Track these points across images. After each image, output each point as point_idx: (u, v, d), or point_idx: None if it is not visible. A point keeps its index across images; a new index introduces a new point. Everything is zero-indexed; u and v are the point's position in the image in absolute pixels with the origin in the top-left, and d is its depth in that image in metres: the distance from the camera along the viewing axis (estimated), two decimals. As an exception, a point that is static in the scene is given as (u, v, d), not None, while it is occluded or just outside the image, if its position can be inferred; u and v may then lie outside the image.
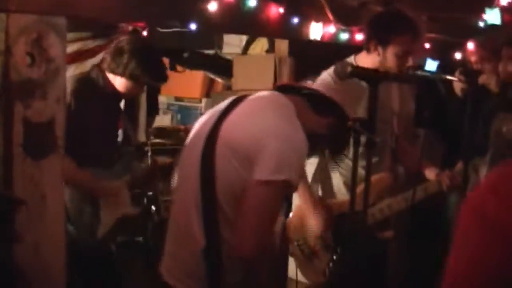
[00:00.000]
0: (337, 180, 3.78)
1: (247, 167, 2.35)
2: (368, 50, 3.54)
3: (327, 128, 2.52)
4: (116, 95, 3.85)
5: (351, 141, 2.59)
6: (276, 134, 2.37)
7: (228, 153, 2.39)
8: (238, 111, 2.51)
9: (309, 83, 2.66)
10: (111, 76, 3.76)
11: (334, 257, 3.45)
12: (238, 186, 2.37)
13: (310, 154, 2.65)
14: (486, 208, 1.29)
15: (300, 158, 2.44)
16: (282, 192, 2.42)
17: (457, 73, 3.66)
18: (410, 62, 3.59)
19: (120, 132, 4.08)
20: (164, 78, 4.14)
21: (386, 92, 3.58)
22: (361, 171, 2.91)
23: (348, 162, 3.67)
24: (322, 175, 3.81)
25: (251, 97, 2.56)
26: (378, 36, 3.48)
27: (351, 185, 2.66)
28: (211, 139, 2.45)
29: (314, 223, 3.55)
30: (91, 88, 3.73)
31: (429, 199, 3.68)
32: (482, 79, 3.82)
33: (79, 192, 3.55)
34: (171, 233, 2.61)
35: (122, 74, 3.72)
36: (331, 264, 3.49)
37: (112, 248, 3.86)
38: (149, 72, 3.79)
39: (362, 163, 3.54)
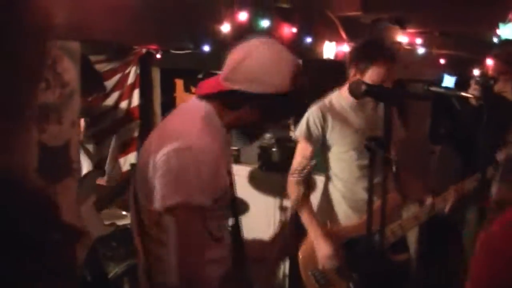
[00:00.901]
0: (341, 205, 3.76)
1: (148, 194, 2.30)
2: (347, 78, 3.57)
3: (251, 116, 2.38)
4: None
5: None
6: (168, 156, 2.22)
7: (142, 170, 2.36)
8: (161, 123, 2.50)
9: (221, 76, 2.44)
10: None
11: (351, 285, 3.42)
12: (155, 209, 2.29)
13: (251, 141, 2.61)
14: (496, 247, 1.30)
15: (196, 173, 2.20)
16: (188, 215, 2.23)
17: (472, 82, 3.66)
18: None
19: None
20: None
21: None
22: (364, 193, 2.89)
23: (349, 186, 3.68)
24: (325, 203, 3.79)
25: (179, 107, 2.53)
26: (357, 64, 3.50)
27: (368, 205, 2.61)
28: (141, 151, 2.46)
29: (322, 254, 3.53)
30: None
31: (442, 216, 3.65)
32: (497, 87, 3.81)
33: None
34: None
35: None
36: None
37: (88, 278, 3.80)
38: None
39: (363, 184, 3.56)
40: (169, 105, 7.98)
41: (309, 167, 2.87)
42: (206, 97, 2.39)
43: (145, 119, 7.22)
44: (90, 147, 5.26)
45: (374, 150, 2.44)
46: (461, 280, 1.55)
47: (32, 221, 0.99)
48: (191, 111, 2.40)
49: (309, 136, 3.60)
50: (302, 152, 3.66)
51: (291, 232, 2.87)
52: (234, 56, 2.36)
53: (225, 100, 2.38)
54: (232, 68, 2.33)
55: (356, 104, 3.65)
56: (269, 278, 2.88)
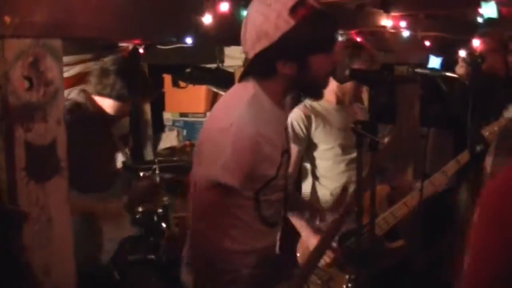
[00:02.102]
0: (324, 194, 3.78)
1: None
2: None
3: (291, 72, 2.35)
4: (106, 118, 3.78)
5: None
6: (210, 133, 2.33)
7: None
8: (213, 110, 2.53)
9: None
10: (98, 99, 3.70)
11: (350, 276, 3.44)
12: None
13: (318, 92, 2.59)
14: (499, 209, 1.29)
15: (233, 152, 2.22)
16: (213, 192, 2.27)
17: (460, 60, 3.67)
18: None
19: (118, 154, 4.05)
20: (151, 94, 4.11)
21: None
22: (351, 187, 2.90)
23: (336, 183, 3.70)
24: (313, 195, 3.82)
25: (227, 92, 2.55)
26: None
27: (357, 192, 2.61)
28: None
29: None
30: (81, 114, 3.62)
31: (438, 198, 3.66)
32: (485, 65, 3.82)
33: (78, 223, 3.46)
34: None
35: (109, 96, 3.67)
36: (349, 285, 3.48)
37: (115, 275, 3.82)
38: (136, 90, 3.75)
39: (350, 179, 3.60)
40: (158, 100, 7.98)
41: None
42: (245, 77, 2.41)
43: (135, 115, 7.22)
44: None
45: (361, 134, 2.44)
46: (458, 260, 1.55)
47: None
48: (237, 94, 2.42)
49: (294, 138, 3.61)
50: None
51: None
52: (242, 29, 2.39)
53: (257, 73, 2.38)
54: (243, 40, 2.36)
55: (337, 106, 3.77)
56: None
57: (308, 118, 3.65)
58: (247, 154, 2.23)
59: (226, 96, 2.51)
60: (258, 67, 2.36)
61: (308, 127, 3.65)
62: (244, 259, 2.40)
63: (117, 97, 3.67)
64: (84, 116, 3.62)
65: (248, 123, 2.24)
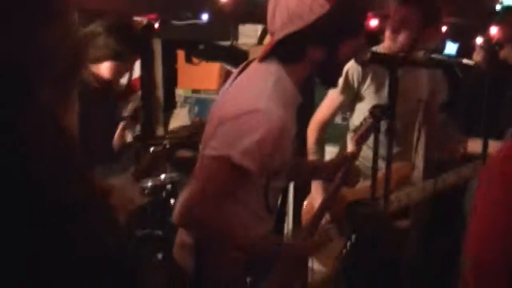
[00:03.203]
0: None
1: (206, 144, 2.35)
2: (380, 41, 3.53)
3: (319, 56, 2.33)
4: (108, 87, 3.74)
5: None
6: (233, 113, 2.26)
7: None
8: (231, 88, 2.47)
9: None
10: (97, 67, 3.65)
11: (348, 243, 3.42)
12: None
13: (335, 80, 2.56)
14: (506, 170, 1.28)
15: (256, 138, 2.20)
16: (227, 171, 2.25)
17: (477, 47, 3.62)
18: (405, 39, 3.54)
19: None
20: (147, 49, 4.01)
21: (414, 80, 3.54)
22: (379, 163, 2.87)
23: (365, 150, 3.65)
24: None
25: (245, 72, 2.47)
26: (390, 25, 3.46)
27: (372, 172, 2.60)
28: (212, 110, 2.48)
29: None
30: (83, 88, 3.57)
31: (448, 190, 3.63)
32: (502, 54, 3.78)
33: None
34: None
35: (105, 57, 3.62)
36: (344, 251, 3.46)
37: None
38: (131, 44, 3.68)
39: (381, 152, 3.53)
40: (170, 76, 7.96)
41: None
42: (267, 58, 2.37)
43: (147, 91, 7.20)
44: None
45: (379, 117, 2.43)
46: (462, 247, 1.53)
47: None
48: (261, 76, 2.35)
49: (343, 89, 3.57)
50: (330, 103, 3.64)
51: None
52: (269, 9, 2.34)
53: (283, 55, 2.34)
54: (271, 21, 2.31)
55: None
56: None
57: (364, 75, 3.58)
58: (271, 142, 2.21)
59: (245, 77, 2.45)
60: (286, 49, 2.32)
61: (360, 83, 3.59)
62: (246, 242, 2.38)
63: (114, 56, 3.61)
64: (87, 93, 3.58)
65: (275, 110, 2.22)
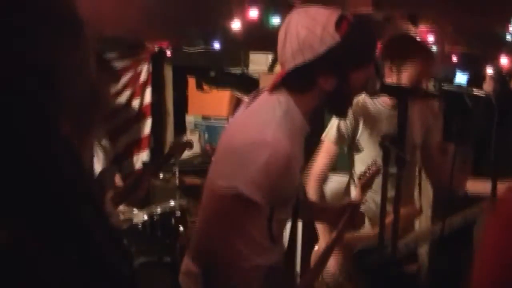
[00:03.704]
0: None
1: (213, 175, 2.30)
2: (383, 75, 3.51)
3: (329, 86, 2.26)
4: None
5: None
6: (240, 144, 2.20)
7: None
8: (240, 118, 2.47)
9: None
10: None
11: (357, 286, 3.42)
12: None
13: (345, 111, 2.53)
14: None
15: (264, 170, 2.15)
16: (235, 203, 2.18)
17: (487, 77, 3.63)
18: (425, 84, 3.55)
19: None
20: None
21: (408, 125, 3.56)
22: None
23: (370, 195, 3.66)
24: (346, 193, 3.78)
25: (255, 102, 2.47)
26: (393, 61, 3.45)
27: (380, 211, 2.59)
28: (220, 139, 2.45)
29: (331, 261, 3.50)
30: None
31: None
32: None
33: None
34: None
35: None
36: None
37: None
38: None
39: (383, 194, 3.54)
40: (181, 102, 8.01)
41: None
42: (276, 89, 2.37)
43: (157, 117, 7.25)
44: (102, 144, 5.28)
45: (388, 149, 2.42)
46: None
47: None
48: (270, 107, 2.34)
49: (337, 139, 3.56)
50: (326, 153, 3.63)
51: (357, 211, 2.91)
52: (279, 39, 2.33)
53: (293, 85, 2.34)
54: (281, 51, 2.29)
55: (392, 108, 3.56)
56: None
57: (356, 120, 3.56)
58: (279, 174, 2.20)
59: (255, 107, 2.45)
60: (296, 80, 2.31)
61: (354, 130, 3.58)
62: (250, 274, 2.37)
63: None
64: None
65: (282, 141, 2.20)
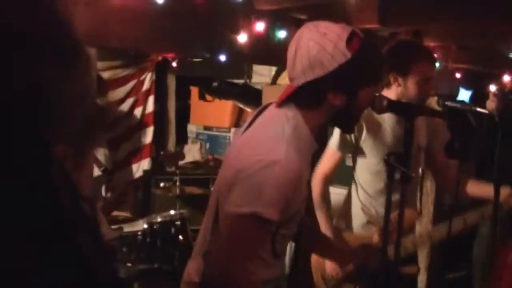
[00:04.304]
0: (359, 216, 3.75)
1: (227, 197, 2.23)
2: (388, 84, 3.51)
3: (338, 102, 2.26)
4: None
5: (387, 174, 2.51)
6: (252, 166, 2.16)
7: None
8: (248, 132, 2.45)
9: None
10: None
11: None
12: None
13: (352, 127, 2.54)
14: None
15: (278, 189, 2.14)
16: (253, 227, 2.18)
17: (491, 95, 3.63)
18: (432, 90, 3.56)
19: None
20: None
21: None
22: (382, 209, 2.86)
23: (370, 199, 3.66)
24: (344, 210, 3.78)
25: (262, 116, 2.46)
26: (397, 67, 3.45)
27: (384, 221, 2.59)
28: (225, 158, 2.43)
29: (331, 263, 3.50)
30: None
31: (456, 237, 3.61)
32: None
33: None
34: None
35: None
36: None
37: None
38: None
39: (383, 199, 3.52)
40: (183, 112, 8.02)
41: None
42: (284, 103, 2.36)
43: (159, 125, 7.26)
44: (101, 152, 5.28)
45: (393, 166, 2.42)
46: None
47: None
48: (279, 122, 2.33)
49: (341, 145, 3.57)
50: (330, 158, 3.64)
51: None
52: (289, 55, 2.32)
53: (302, 101, 2.33)
54: (291, 66, 2.28)
55: (398, 117, 3.53)
56: None
57: (360, 127, 3.56)
58: (291, 191, 2.20)
59: (263, 121, 2.44)
60: (306, 96, 2.32)
61: (357, 137, 3.58)
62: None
63: None
64: None
65: (294, 158, 2.20)
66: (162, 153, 5.18)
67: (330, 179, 3.72)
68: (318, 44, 2.22)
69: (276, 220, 2.14)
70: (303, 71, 2.24)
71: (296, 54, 2.27)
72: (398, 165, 2.39)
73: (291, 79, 2.32)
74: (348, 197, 3.79)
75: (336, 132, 3.60)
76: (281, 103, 2.34)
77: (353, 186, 3.77)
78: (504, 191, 3.43)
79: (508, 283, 1.27)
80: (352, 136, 3.57)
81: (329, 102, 2.26)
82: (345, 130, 2.67)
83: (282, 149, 2.17)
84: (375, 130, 3.57)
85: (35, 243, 0.90)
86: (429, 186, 4.95)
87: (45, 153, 0.95)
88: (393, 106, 2.60)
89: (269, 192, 2.11)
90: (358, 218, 3.73)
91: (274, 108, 2.37)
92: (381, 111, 2.62)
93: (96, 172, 4.80)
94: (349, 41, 2.21)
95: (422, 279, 4.68)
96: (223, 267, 2.25)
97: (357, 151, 3.64)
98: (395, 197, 2.57)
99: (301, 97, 2.29)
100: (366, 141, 3.58)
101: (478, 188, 3.70)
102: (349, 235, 3.65)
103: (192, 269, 2.50)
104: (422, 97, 3.45)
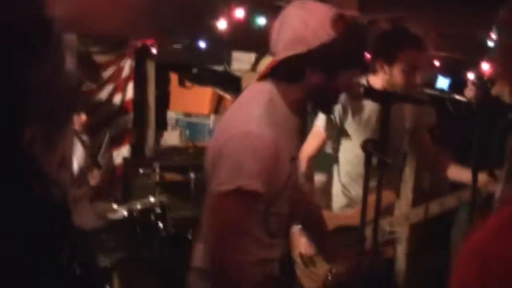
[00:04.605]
0: (339, 198, 3.78)
1: (212, 179, 2.24)
2: (374, 71, 3.52)
3: (317, 80, 2.27)
4: None
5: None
6: (228, 142, 2.18)
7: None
8: (226, 113, 2.46)
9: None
10: None
11: (333, 269, 3.43)
12: None
13: (330, 107, 2.53)
14: (489, 254, 1.22)
15: (255, 159, 2.15)
16: (239, 201, 2.18)
17: (469, 83, 3.65)
18: (419, 78, 3.57)
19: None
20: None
21: (398, 110, 3.55)
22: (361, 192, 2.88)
23: (350, 181, 3.69)
24: (326, 192, 3.81)
25: (241, 95, 2.47)
26: (384, 55, 3.46)
27: (362, 208, 2.61)
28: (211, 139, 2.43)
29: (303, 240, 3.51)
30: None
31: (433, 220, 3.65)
32: (495, 90, 3.81)
33: None
34: None
35: None
36: (329, 277, 3.46)
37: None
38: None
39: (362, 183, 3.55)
40: (163, 98, 7.99)
41: None
42: (264, 78, 2.36)
43: (139, 112, 7.23)
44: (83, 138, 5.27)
45: (370, 152, 2.44)
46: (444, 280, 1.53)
47: None
48: (253, 97, 2.33)
49: (326, 126, 3.60)
50: (315, 137, 3.67)
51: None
52: (274, 30, 2.32)
53: (280, 75, 2.33)
54: (275, 40, 2.29)
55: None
56: None
57: (345, 110, 3.57)
58: (268, 161, 2.20)
59: (241, 99, 2.45)
60: (285, 70, 2.32)
61: (342, 120, 3.60)
62: (253, 269, 2.37)
63: None
64: None
65: (265, 131, 2.22)
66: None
67: (315, 159, 3.75)
68: (303, 21, 2.23)
69: (260, 192, 2.14)
70: (286, 45, 2.25)
71: (281, 28, 2.27)
72: (375, 151, 2.41)
73: (273, 53, 2.32)
74: (329, 180, 3.81)
75: (322, 115, 3.63)
76: (262, 78, 2.36)
77: (335, 169, 3.80)
78: (482, 176, 3.46)
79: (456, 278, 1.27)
80: (337, 117, 3.59)
81: (308, 79, 2.27)
82: (322, 110, 2.68)
83: (254, 120, 2.18)
84: (360, 114, 3.59)
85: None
86: (407, 172, 4.99)
87: (11, 137, 0.94)
88: (369, 93, 2.60)
89: (248, 164, 2.11)
90: (338, 200, 3.76)
91: (253, 85, 2.39)
92: (357, 97, 2.64)
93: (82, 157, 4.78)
94: (335, 22, 2.22)
95: (401, 263, 4.73)
96: (216, 248, 2.25)
97: (341, 133, 3.67)
98: (374, 182, 2.59)
99: (280, 71, 2.30)
100: (351, 124, 3.60)
101: (457, 172, 3.74)
102: (329, 214, 3.66)
103: (195, 254, 2.51)
104: (408, 86, 3.46)
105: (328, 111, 2.64)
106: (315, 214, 2.98)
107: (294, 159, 2.44)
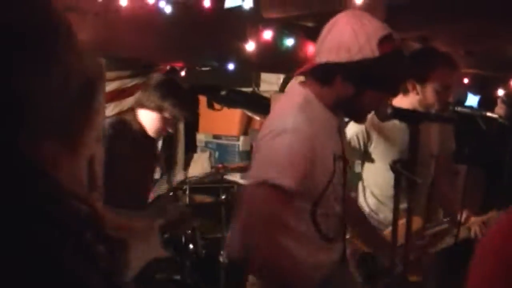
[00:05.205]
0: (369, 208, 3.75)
1: None
2: (405, 91, 3.49)
3: (346, 91, 2.29)
4: (147, 136, 3.84)
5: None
6: (264, 138, 2.26)
7: None
8: (271, 111, 2.53)
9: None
10: (141, 113, 3.75)
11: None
12: None
13: (359, 119, 2.58)
14: (508, 251, 1.23)
15: (288, 156, 2.18)
16: (267, 193, 2.18)
17: (499, 100, 3.61)
18: (451, 97, 3.54)
19: (157, 173, 4.10)
20: (189, 111, 4.03)
21: (426, 133, 3.52)
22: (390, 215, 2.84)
23: (378, 204, 3.65)
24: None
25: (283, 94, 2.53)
26: (416, 75, 3.44)
27: (392, 227, 2.58)
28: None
29: None
30: (125, 132, 3.73)
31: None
32: None
33: None
34: None
35: (147, 106, 3.71)
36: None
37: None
38: (173, 102, 3.76)
39: (391, 205, 3.51)
40: (192, 121, 8.01)
41: None
42: (304, 78, 2.40)
43: (168, 135, 7.25)
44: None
45: (400, 172, 2.42)
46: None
47: None
48: (290, 97, 2.40)
49: (350, 150, 3.58)
50: None
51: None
52: (322, 33, 2.34)
53: (317, 76, 2.35)
54: (319, 43, 2.32)
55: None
56: None
57: (368, 134, 3.53)
58: (302, 159, 2.21)
59: (282, 98, 2.51)
60: (320, 72, 2.35)
61: (366, 144, 3.56)
62: (298, 272, 2.35)
63: (154, 108, 3.70)
64: (126, 134, 3.70)
65: (303, 126, 2.23)
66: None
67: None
68: (353, 31, 2.23)
69: (288, 188, 2.13)
70: (329, 50, 2.27)
71: (330, 32, 2.29)
72: (404, 172, 2.39)
73: (316, 53, 2.34)
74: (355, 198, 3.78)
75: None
76: (300, 73, 2.39)
77: (361, 191, 3.77)
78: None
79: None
80: (361, 142, 3.56)
81: (336, 86, 2.28)
82: (354, 120, 2.70)
83: (291, 118, 2.21)
84: (386, 135, 3.56)
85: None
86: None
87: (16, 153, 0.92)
88: (397, 113, 2.58)
89: (280, 160, 2.15)
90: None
91: (292, 85, 2.44)
92: (385, 118, 2.62)
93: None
94: (383, 41, 2.22)
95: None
96: (244, 240, 2.23)
97: (365, 158, 3.64)
98: (404, 204, 2.56)
99: (316, 72, 2.32)
100: (377, 147, 3.56)
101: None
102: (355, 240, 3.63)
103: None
104: (440, 105, 3.43)
105: (360, 120, 2.63)
106: (362, 214, 2.99)
107: (339, 157, 2.43)
